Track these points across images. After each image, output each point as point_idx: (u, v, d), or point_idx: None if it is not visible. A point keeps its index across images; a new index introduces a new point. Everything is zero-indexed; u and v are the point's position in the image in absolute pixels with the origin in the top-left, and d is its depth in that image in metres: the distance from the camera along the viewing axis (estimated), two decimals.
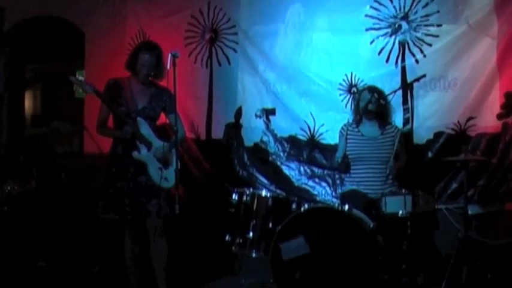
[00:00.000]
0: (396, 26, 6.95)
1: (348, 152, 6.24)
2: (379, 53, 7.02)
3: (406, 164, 6.22)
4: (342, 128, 6.44)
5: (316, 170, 7.34)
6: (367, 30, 7.08)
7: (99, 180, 7.29)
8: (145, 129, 5.62)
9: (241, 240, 5.75)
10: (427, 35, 6.81)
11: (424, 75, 5.79)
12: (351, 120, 6.48)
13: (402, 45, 6.89)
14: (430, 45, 6.80)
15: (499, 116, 6.55)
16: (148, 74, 5.65)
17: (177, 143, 5.50)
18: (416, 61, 6.85)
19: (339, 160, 6.26)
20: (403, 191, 5.78)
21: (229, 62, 7.80)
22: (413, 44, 6.86)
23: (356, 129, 6.35)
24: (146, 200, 5.58)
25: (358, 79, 7.08)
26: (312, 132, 7.35)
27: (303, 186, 7.38)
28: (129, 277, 5.80)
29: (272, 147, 7.53)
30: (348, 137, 6.30)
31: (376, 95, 6.23)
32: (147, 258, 5.76)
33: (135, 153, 5.56)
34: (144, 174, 5.60)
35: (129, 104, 5.64)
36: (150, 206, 5.58)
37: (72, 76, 5.72)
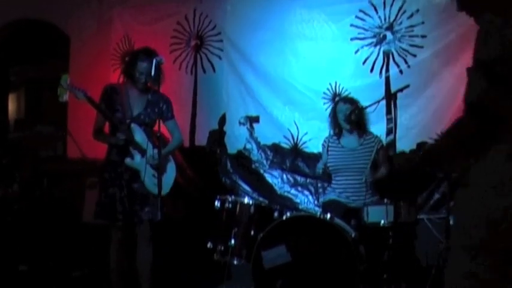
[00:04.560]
0: (381, 36, 6.98)
1: (328, 164, 6.34)
2: (364, 62, 7.04)
3: (388, 174, 6.25)
4: (324, 140, 6.53)
5: (299, 178, 7.34)
6: (352, 39, 7.10)
7: (82, 184, 7.30)
8: (139, 136, 5.59)
9: (222, 248, 5.72)
10: (411, 45, 6.85)
11: (408, 86, 5.81)
12: (332, 133, 6.51)
13: (387, 55, 6.92)
14: (414, 55, 6.84)
15: None
16: (147, 81, 5.64)
17: (160, 150, 5.47)
18: (401, 71, 6.87)
19: (320, 171, 6.36)
20: (385, 201, 5.79)
21: (214, 69, 7.79)
22: (398, 54, 6.89)
23: (337, 141, 6.42)
24: (139, 207, 5.55)
25: (342, 88, 7.10)
26: (295, 140, 7.36)
27: (286, 194, 7.38)
28: (112, 283, 5.77)
29: (255, 154, 7.53)
30: (329, 149, 6.38)
31: (359, 105, 6.29)
32: (132, 266, 5.74)
33: (128, 160, 5.53)
34: (138, 181, 5.57)
35: (125, 110, 5.61)
36: (143, 214, 5.55)
37: (63, 81, 5.69)
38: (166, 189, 5.61)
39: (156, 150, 5.55)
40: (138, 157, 5.58)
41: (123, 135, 5.52)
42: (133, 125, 5.58)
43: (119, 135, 5.54)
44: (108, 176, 5.61)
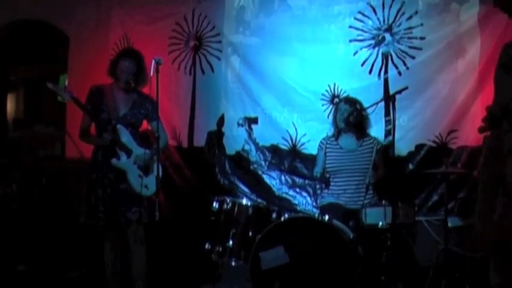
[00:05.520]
0: (380, 37, 6.98)
1: (327, 165, 6.34)
2: (362, 64, 7.05)
3: (385, 176, 6.26)
4: (321, 141, 6.51)
5: (297, 179, 7.34)
6: (350, 41, 7.11)
7: (80, 184, 7.30)
8: (125, 137, 5.61)
9: (221, 249, 5.72)
10: (410, 47, 6.85)
11: (406, 88, 5.78)
12: (330, 134, 6.51)
13: (385, 57, 6.92)
14: (413, 57, 6.85)
15: (480, 130, 6.54)
16: (128, 81, 5.66)
17: (158, 150, 5.50)
18: (399, 73, 6.88)
19: (318, 175, 6.34)
20: (384, 202, 5.77)
21: (212, 70, 7.78)
22: (397, 56, 6.89)
23: (335, 142, 6.41)
24: (126, 208, 5.56)
25: (341, 90, 7.10)
26: (293, 141, 7.35)
27: (284, 195, 7.37)
28: (108, 284, 5.77)
29: (254, 156, 7.52)
30: (327, 150, 6.37)
31: (358, 106, 6.28)
32: (126, 266, 5.74)
33: (114, 161, 5.56)
34: (124, 181, 5.58)
35: (111, 110, 5.65)
36: (130, 214, 5.56)
37: (50, 83, 5.67)
38: (152, 189, 5.62)
39: (143, 150, 5.65)
40: (124, 158, 5.61)
41: (109, 136, 5.54)
42: (119, 126, 5.61)
43: (105, 135, 5.57)
44: (95, 177, 5.64)
